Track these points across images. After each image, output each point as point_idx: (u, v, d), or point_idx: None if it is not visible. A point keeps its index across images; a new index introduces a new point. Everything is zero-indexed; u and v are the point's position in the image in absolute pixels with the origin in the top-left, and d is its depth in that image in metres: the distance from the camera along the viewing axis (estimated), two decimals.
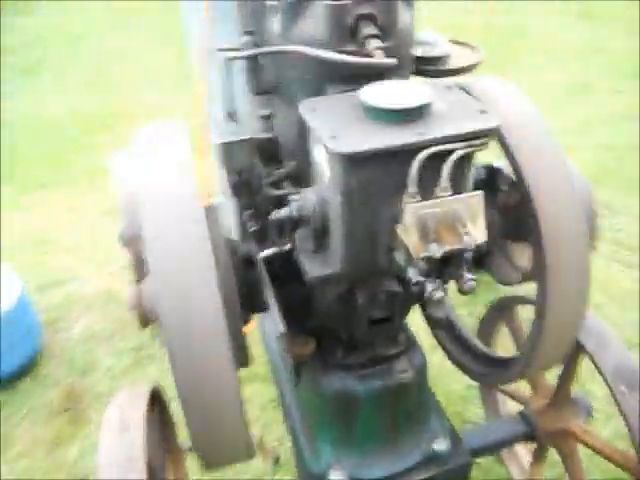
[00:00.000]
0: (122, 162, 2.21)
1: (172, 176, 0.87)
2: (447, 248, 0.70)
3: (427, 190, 0.74)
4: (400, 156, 0.73)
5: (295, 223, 0.85)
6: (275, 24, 0.92)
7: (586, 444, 1.44)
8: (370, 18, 0.85)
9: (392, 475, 1.25)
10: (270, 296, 0.93)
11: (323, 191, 0.83)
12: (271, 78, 0.96)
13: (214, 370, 0.86)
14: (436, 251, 0.70)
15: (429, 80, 0.96)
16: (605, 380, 1.28)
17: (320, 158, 0.81)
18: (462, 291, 0.73)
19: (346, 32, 0.86)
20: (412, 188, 0.73)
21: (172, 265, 0.82)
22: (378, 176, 0.75)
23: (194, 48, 1.70)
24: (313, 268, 0.87)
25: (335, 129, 0.75)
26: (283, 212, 0.85)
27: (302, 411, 1.34)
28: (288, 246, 0.89)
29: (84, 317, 2.48)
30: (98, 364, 2.26)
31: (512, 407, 1.89)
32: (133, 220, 2.08)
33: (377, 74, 0.89)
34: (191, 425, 0.90)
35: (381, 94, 0.78)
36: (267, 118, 1.06)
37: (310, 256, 0.88)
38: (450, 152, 0.74)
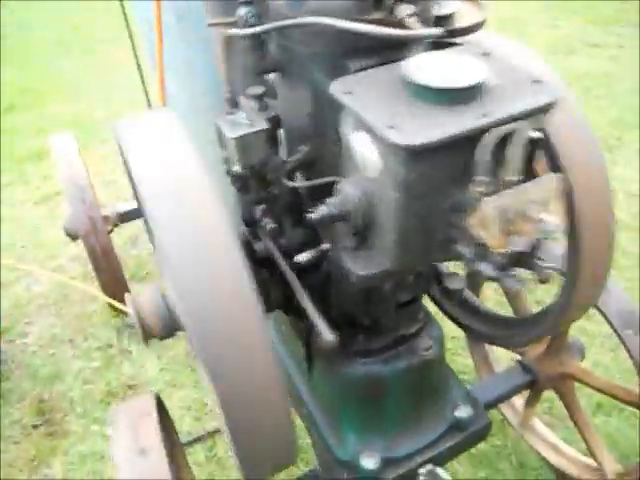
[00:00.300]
0: (64, 146, 1.98)
1: (188, 177, 0.74)
2: (529, 239, 0.65)
3: (493, 175, 0.67)
4: (465, 142, 0.65)
5: (333, 220, 0.77)
6: None
7: (587, 384, 1.50)
8: None
9: (420, 449, 1.24)
10: (307, 303, 0.85)
11: (367, 184, 0.74)
12: (277, 55, 0.85)
13: (263, 380, 0.76)
14: (520, 244, 0.64)
15: (462, 46, 0.88)
16: (611, 325, 1.32)
17: (364, 148, 0.71)
18: (541, 280, 0.69)
19: None
20: (482, 176, 0.66)
21: (207, 278, 0.71)
22: (440, 166, 0.67)
23: (145, 24, 1.51)
24: (358, 267, 0.79)
25: (388, 116, 0.66)
26: (322, 210, 0.76)
27: (320, 400, 1.29)
28: (327, 246, 0.81)
29: (39, 320, 2.28)
30: (65, 369, 2.09)
31: (500, 355, 1.95)
32: (81, 209, 1.89)
33: (400, 44, 0.80)
34: (238, 441, 0.80)
35: (429, 70, 0.69)
36: (260, 98, 0.94)
37: (351, 254, 0.80)
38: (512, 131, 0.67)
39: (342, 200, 0.76)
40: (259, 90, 0.98)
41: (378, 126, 0.65)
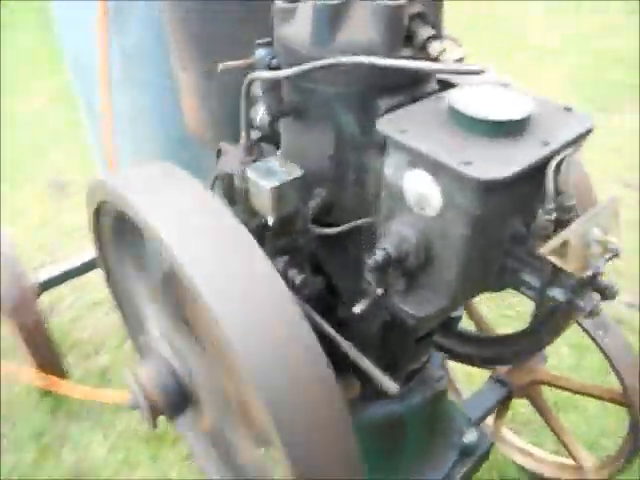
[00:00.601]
0: None
1: (231, 242, 0.67)
2: (603, 260, 0.66)
3: (555, 203, 0.68)
4: (533, 172, 0.66)
5: (390, 264, 0.73)
6: (303, 32, 0.76)
7: (560, 387, 1.58)
8: (421, 17, 0.75)
9: None
10: (358, 355, 0.81)
11: (423, 223, 0.72)
12: (294, 97, 0.80)
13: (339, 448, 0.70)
14: (599, 266, 0.65)
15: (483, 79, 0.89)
16: (583, 328, 1.41)
17: (422, 186, 0.69)
18: (607, 298, 0.71)
19: (402, 35, 0.74)
20: (550, 204, 0.67)
21: (278, 352, 0.64)
22: (511, 198, 0.67)
23: (76, 59, 1.37)
24: (414, 309, 0.76)
25: (456, 152, 0.65)
26: (379, 255, 0.72)
27: None
28: (380, 292, 0.77)
29: None
30: None
31: (457, 370, 2.00)
32: (7, 280, 1.66)
33: (419, 81, 0.81)
34: None
35: (479, 104, 0.69)
36: (257, 142, 0.90)
37: (403, 297, 0.77)
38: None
39: (398, 242, 0.73)
40: (255, 135, 0.93)
41: (452, 163, 0.64)
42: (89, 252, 2.11)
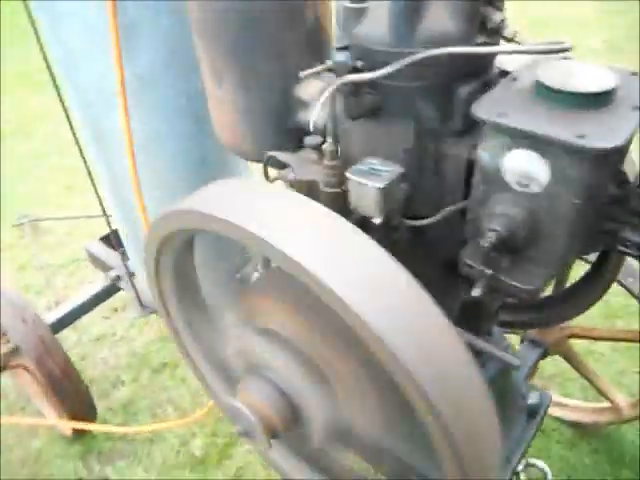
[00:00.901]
0: None
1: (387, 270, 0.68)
2: None
3: None
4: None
5: (502, 244, 0.76)
6: (379, 31, 0.77)
7: (591, 338, 1.67)
8: (491, 2, 0.78)
9: (513, 448, 1.26)
10: (477, 339, 0.83)
11: (527, 200, 0.75)
12: (375, 96, 0.81)
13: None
14: None
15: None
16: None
17: (527, 165, 0.72)
18: None
19: (478, 22, 0.77)
20: None
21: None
22: (611, 163, 0.71)
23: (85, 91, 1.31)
24: (523, 283, 0.79)
25: (566, 127, 0.68)
26: (492, 237, 0.74)
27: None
28: (489, 272, 0.79)
29: None
30: None
31: None
32: (24, 330, 1.59)
33: (488, 66, 0.83)
34: None
35: (571, 79, 0.72)
36: (318, 147, 0.91)
37: (510, 273, 0.80)
38: None
39: (506, 222, 0.75)
40: (318, 140, 0.94)
41: (567, 138, 0.66)
42: (88, 289, 2.05)
